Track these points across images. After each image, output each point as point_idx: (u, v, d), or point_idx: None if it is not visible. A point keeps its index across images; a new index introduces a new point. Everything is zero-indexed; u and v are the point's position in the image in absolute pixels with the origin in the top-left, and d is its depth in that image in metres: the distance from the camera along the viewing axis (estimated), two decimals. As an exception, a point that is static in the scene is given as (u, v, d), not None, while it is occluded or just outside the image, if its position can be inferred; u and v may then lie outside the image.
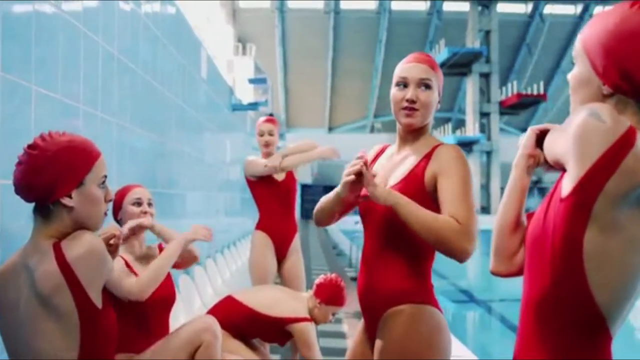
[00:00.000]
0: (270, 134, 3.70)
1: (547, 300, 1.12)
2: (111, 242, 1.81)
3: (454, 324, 7.03)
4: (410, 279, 1.78)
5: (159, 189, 3.69)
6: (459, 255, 1.62)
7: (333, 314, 3.01)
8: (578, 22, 34.39)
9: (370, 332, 1.86)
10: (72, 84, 2.23)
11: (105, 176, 1.61)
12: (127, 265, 2.28)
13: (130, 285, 2.17)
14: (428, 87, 1.79)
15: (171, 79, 3.90)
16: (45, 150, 1.50)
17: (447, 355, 1.80)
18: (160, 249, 2.47)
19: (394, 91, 1.85)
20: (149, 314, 2.29)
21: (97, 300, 1.52)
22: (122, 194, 2.36)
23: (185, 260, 2.45)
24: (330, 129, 38.09)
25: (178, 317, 3.17)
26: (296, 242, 3.72)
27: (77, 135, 1.57)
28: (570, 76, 1.22)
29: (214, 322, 2.31)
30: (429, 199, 1.73)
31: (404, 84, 1.82)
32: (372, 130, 38.12)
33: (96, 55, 2.49)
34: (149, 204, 2.39)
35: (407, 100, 1.79)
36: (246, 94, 11.60)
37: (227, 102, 6.93)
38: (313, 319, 2.96)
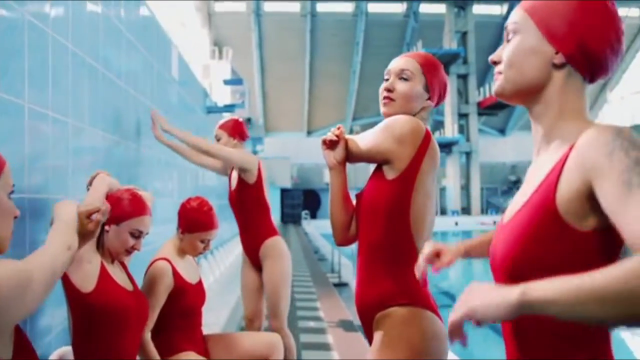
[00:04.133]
0: (217, 139, 3.54)
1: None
2: (92, 217, 1.57)
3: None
4: (397, 279, 1.71)
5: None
6: None
7: (203, 242, 2.65)
8: (553, 22, 34.64)
9: (370, 340, 1.79)
10: (13, 78, 1.94)
11: (14, 186, 1.34)
12: (104, 269, 2.02)
13: None
14: (407, 78, 1.81)
15: (137, 77, 3.61)
16: None
17: None
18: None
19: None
20: (122, 330, 2.02)
21: (6, 351, 1.21)
22: (133, 209, 2.06)
23: None
24: (309, 133, 37.90)
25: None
26: (265, 248, 3.38)
27: None
28: (511, 48, 1.13)
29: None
30: (389, 183, 1.74)
31: (387, 77, 1.86)
32: (351, 133, 37.77)
33: (44, 46, 2.21)
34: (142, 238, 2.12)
35: (385, 90, 1.83)
36: (224, 98, 11.31)
37: (202, 105, 6.64)
38: (183, 253, 2.63)
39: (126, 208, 2.05)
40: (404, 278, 1.70)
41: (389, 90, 1.82)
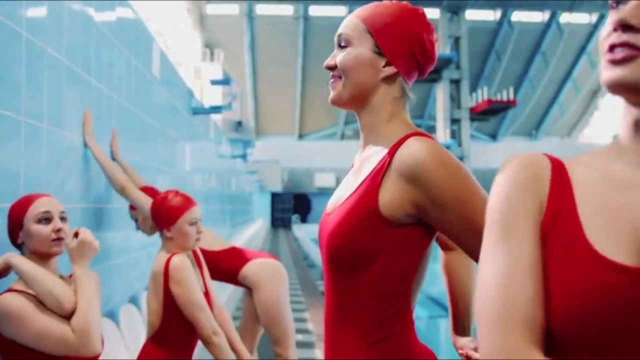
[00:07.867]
0: (135, 219, 3.21)
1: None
2: None
3: (426, 335, 6.67)
4: (377, 345, 1.17)
5: (96, 204, 3.11)
6: None
7: (192, 224, 2.43)
8: (545, 29, 34.73)
9: None
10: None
11: None
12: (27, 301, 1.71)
13: (66, 334, 1.69)
14: (345, 44, 1.29)
15: (111, 73, 3.32)
16: None
17: None
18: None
19: None
20: None
21: None
22: (21, 209, 1.78)
23: None
24: (301, 136, 37.64)
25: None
26: (243, 280, 3.18)
27: None
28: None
29: None
30: (387, 226, 1.14)
31: None
32: (343, 137, 37.87)
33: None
34: (62, 219, 1.83)
35: (325, 68, 1.33)
36: (215, 100, 11.06)
37: (187, 105, 6.35)
38: (181, 249, 2.42)
39: (16, 207, 1.81)
40: (395, 341, 1.18)
41: (329, 67, 1.30)
